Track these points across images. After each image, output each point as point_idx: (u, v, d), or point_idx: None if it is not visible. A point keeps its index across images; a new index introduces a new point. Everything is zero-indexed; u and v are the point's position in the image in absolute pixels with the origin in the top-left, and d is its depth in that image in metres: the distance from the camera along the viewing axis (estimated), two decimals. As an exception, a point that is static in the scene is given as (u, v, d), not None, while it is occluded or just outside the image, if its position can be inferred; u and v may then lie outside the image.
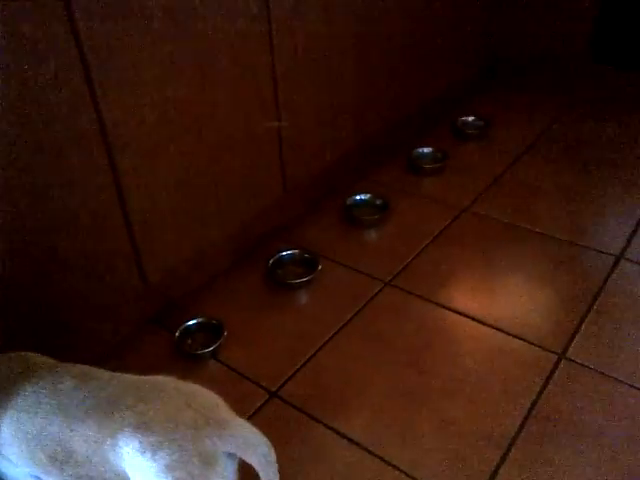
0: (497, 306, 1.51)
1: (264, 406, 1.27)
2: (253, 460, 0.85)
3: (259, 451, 0.85)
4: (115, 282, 1.33)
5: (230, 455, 0.84)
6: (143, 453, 0.81)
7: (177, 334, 1.42)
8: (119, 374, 0.93)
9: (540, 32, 2.55)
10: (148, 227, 1.35)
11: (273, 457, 0.87)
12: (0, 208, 1.06)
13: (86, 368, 0.94)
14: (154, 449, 0.80)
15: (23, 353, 1.00)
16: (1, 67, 0.99)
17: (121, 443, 0.82)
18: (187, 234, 1.46)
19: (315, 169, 1.83)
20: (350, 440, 1.20)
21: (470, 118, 2.38)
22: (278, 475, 0.88)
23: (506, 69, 2.73)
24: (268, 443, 0.87)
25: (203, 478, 0.81)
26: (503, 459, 1.14)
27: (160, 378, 0.91)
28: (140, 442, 0.81)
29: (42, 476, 0.92)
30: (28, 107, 1.05)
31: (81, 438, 0.84)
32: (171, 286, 1.54)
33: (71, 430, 0.85)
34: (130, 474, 0.83)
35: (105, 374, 0.92)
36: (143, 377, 0.92)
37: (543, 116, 2.45)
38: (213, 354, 1.40)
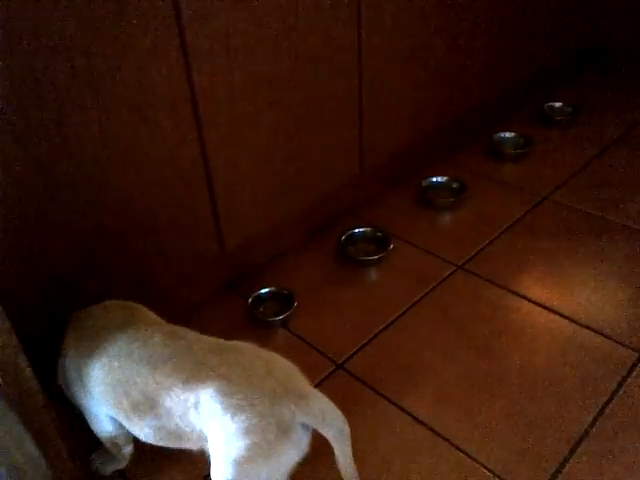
0: (574, 298, 1.46)
1: (329, 377, 1.30)
2: (329, 433, 0.87)
3: (335, 425, 0.87)
4: (196, 248, 1.38)
5: (305, 426, 0.87)
6: (224, 414, 0.84)
7: (250, 301, 1.46)
8: (205, 336, 0.97)
9: (635, 21, 2.39)
10: (230, 197, 1.39)
11: (348, 432, 0.89)
12: (96, 174, 1.13)
13: (176, 327, 1.00)
14: (235, 411, 0.84)
15: (130, 303, 1.06)
16: (108, 37, 1.04)
17: (203, 402, 0.86)
18: (266, 206, 1.49)
19: (394, 149, 1.81)
20: (415, 418, 1.20)
21: (558, 104, 2.28)
22: (351, 450, 0.90)
23: (599, 58, 2.58)
24: (344, 418, 0.89)
25: (278, 445, 0.84)
26: (571, 453, 1.11)
27: (241, 344, 0.95)
28: (222, 403, 0.85)
29: (122, 420, 0.98)
30: (128, 75, 1.10)
31: (165, 392, 0.89)
32: (247, 255, 1.58)
33: (157, 383, 0.90)
34: (208, 433, 0.88)
35: (192, 335, 0.97)
36: (226, 341, 0.96)
37: (636, 105, 2.31)
38: (283, 323, 1.43)
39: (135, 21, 1.07)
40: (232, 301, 1.52)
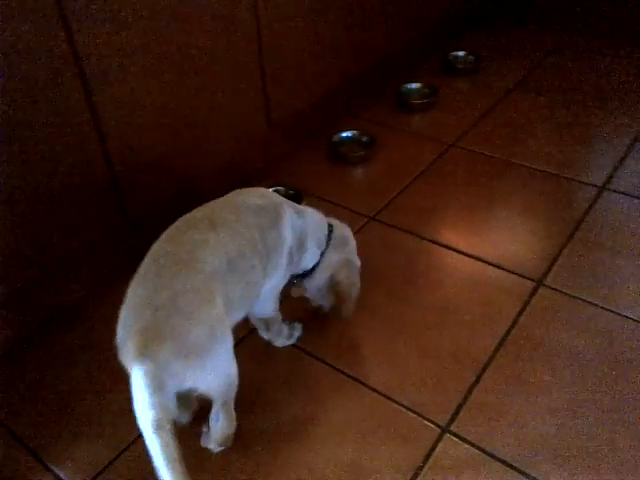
0: (480, 238, 1.53)
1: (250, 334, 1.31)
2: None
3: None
4: (97, 217, 1.34)
5: None
6: None
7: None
8: None
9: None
10: (128, 162, 1.35)
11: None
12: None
13: None
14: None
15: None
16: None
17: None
18: (169, 168, 1.46)
19: (300, 105, 1.81)
20: (334, 367, 1.23)
21: (461, 53, 2.33)
22: None
23: (499, 2, 2.65)
24: None
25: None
26: (477, 380, 1.18)
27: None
28: None
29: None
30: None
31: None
32: (154, 221, 1.54)
33: None
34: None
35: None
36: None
37: (534, 50, 2.40)
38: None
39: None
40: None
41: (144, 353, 0.82)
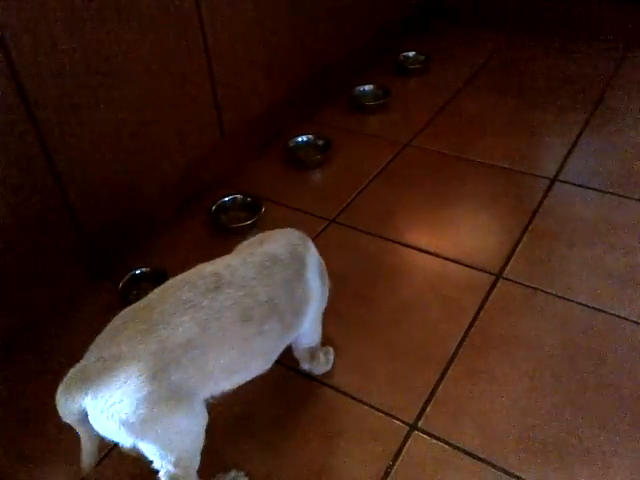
0: (439, 235, 1.55)
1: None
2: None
3: None
4: (50, 239, 1.30)
5: None
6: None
7: (121, 285, 1.41)
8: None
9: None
10: (78, 179, 1.32)
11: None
12: None
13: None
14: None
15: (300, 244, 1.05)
16: None
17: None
18: (122, 185, 1.43)
19: (253, 112, 1.80)
20: (299, 371, 1.23)
21: (411, 53, 2.37)
22: None
23: (448, 3, 2.70)
24: None
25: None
26: (442, 376, 1.19)
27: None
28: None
29: None
30: None
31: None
32: (111, 238, 1.52)
33: None
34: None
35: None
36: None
37: (482, 49, 2.45)
38: (159, 302, 1.40)
39: None
40: (103, 288, 1.46)
41: (67, 392, 0.83)
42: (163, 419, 0.83)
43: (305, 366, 1.19)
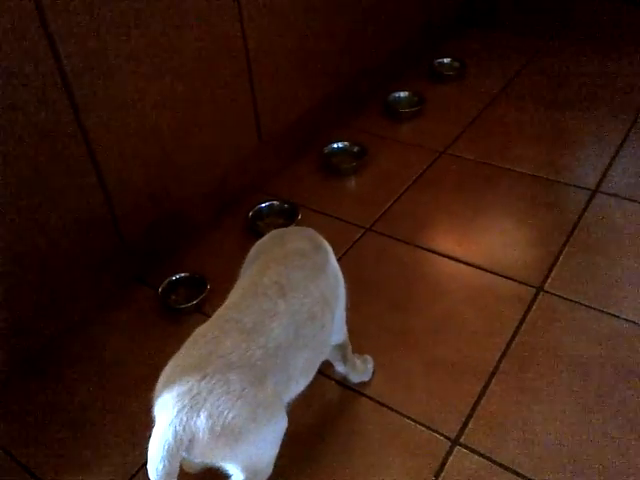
0: (477, 245, 1.53)
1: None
2: None
3: None
4: (93, 244, 1.32)
5: None
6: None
7: (160, 290, 1.42)
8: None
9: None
10: (121, 184, 1.33)
11: None
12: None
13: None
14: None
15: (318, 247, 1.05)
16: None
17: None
18: (162, 190, 1.44)
19: (290, 117, 1.80)
20: (338, 382, 1.23)
21: (446, 60, 2.35)
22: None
23: (482, 9, 2.67)
24: None
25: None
26: (484, 390, 1.18)
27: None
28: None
29: None
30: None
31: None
32: (151, 243, 1.53)
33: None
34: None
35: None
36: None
37: (518, 56, 2.42)
38: (197, 307, 1.41)
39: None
40: (142, 292, 1.47)
41: (178, 421, 0.78)
42: (270, 423, 0.84)
43: (340, 368, 1.19)
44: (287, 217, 1.65)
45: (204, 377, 0.80)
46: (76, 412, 1.21)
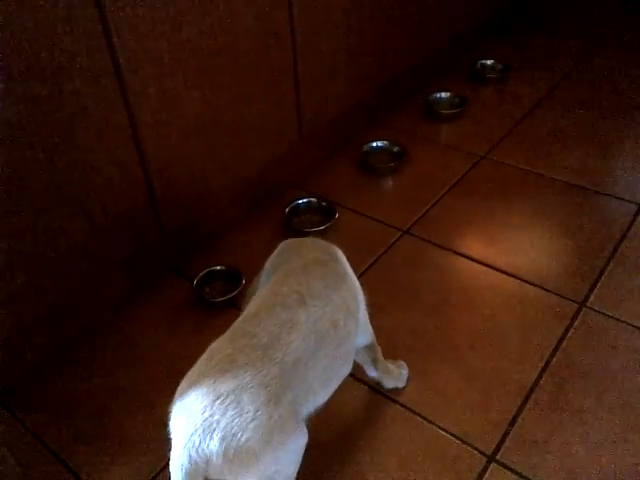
0: (516, 254, 1.50)
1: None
2: None
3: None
4: (133, 231, 1.32)
5: None
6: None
7: (195, 283, 1.42)
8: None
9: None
10: (165, 176, 1.32)
11: None
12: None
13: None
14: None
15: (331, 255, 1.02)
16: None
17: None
18: (203, 182, 1.43)
19: (332, 114, 1.78)
20: (371, 387, 1.21)
21: (489, 61, 2.30)
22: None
23: (527, 11, 2.61)
24: None
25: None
26: (523, 405, 1.15)
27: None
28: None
29: None
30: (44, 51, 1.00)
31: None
32: (189, 234, 1.52)
33: None
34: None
35: None
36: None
37: (565, 60, 2.36)
38: (231, 302, 1.40)
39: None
40: (177, 283, 1.47)
41: (191, 445, 0.77)
42: (287, 443, 0.81)
43: (371, 373, 1.17)
44: (324, 215, 1.63)
45: (218, 397, 0.78)
46: (106, 400, 1.21)
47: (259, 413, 0.78)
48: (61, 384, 1.25)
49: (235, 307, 1.40)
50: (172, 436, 0.80)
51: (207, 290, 1.44)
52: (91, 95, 1.11)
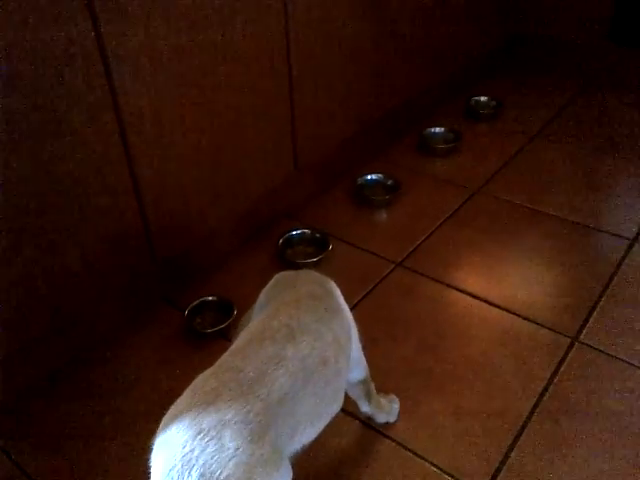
0: (509, 288, 1.50)
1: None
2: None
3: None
4: (126, 261, 1.32)
5: None
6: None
7: (186, 313, 1.41)
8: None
9: (557, 12, 2.49)
10: (159, 207, 1.33)
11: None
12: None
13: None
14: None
15: (325, 288, 1.01)
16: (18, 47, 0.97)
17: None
18: (197, 212, 1.44)
19: (327, 147, 1.80)
20: (361, 421, 1.19)
21: (483, 98, 2.34)
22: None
23: (521, 50, 2.68)
24: None
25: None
26: (515, 441, 1.13)
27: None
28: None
29: None
30: (44, 82, 1.02)
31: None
32: (181, 265, 1.52)
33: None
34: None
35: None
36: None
37: (558, 97, 2.40)
38: (222, 333, 1.39)
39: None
40: (168, 313, 1.46)
41: (169, 478, 0.74)
42: None
43: (364, 408, 1.15)
44: (317, 247, 1.63)
45: (199, 432, 0.76)
46: (92, 429, 1.19)
47: (240, 450, 0.75)
48: (48, 412, 1.23)
49: (226, 338, 1.39)
50: (152, 469, 0.78)
51: (198, 320, 1.43)
52: (86, 121, 1.12)
